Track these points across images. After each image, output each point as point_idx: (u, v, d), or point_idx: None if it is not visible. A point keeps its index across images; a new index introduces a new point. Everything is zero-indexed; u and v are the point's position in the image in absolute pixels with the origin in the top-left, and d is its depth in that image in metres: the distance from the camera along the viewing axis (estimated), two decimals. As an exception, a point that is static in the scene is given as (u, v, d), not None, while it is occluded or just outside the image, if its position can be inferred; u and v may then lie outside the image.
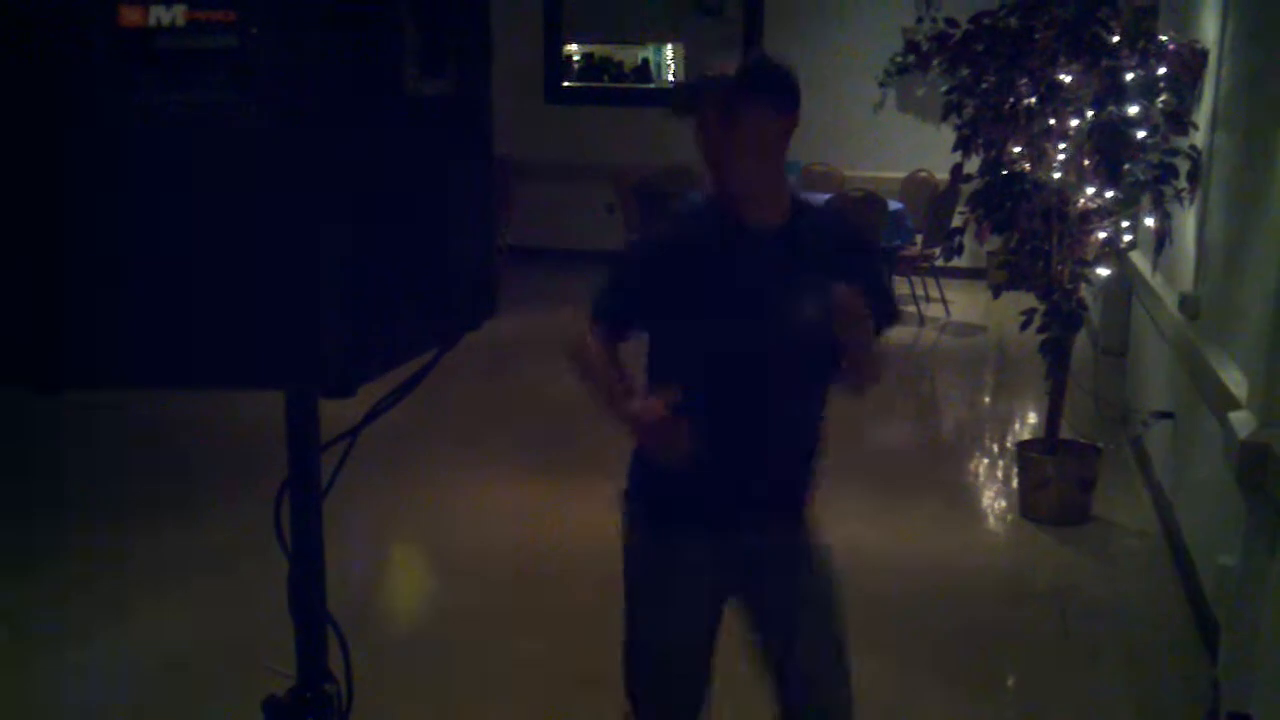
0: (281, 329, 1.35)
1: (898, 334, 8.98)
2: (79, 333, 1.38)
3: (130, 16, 1.28)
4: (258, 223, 1.33)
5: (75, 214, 1.36)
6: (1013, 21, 4.94)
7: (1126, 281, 6.82)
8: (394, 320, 1.46)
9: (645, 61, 13.01)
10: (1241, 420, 3.53)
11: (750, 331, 2.47)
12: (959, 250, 5.59)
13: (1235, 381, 3.89)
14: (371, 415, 1.61)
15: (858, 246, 2.72)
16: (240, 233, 1.33)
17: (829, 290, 2.31)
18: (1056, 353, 5.20)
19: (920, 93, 10.27)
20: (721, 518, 2.54)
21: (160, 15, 1.29)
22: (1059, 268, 5.06)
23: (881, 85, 10.76)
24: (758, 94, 2.46)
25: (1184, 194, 4.97)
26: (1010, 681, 4.13)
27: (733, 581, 2.61)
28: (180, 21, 1.29)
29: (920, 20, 10.24)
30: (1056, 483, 5.23)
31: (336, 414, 1.66)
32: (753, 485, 2.55)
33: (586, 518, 5.28)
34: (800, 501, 2.65)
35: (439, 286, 1.58)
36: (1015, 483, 5.55)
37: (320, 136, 1.33)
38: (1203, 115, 5.07)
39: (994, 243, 5.35)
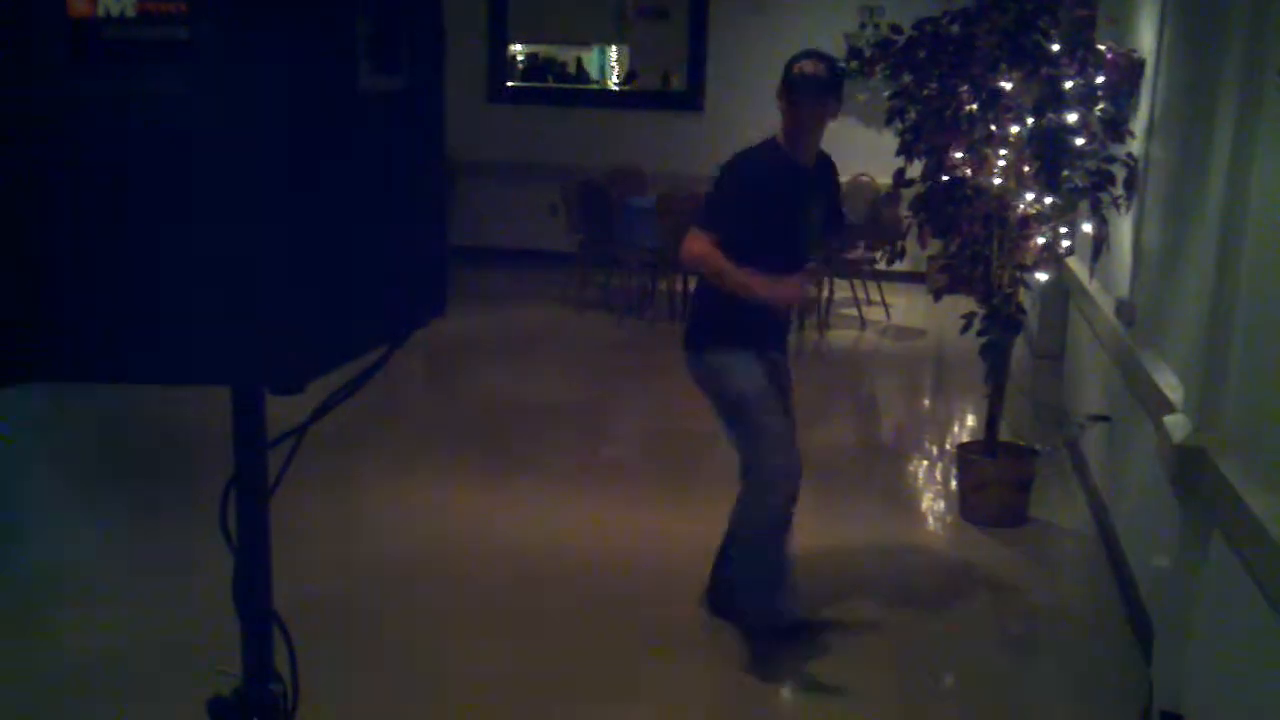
0: (227, 324, 1.33)
1: (839, 337, 9.08)
2: (17, 327, 1.36)
3: (79, 6, 1.27)
4: (203, 217, 1.31)
5: (13, 205, 1.34)
6: (955, 29, 5.01)
7: (1064, 286, 6.92)
8: (342, 317, 1.45)
9: (588, 63, 13.03)
10: (1176, 424, 3.59)
11: (803, 229, 4.15)
12: (901, 254, 5.64)
13: (1170, 386, 3.96)
14: (319, 412, 1.60)
15: (835, 173, 4.35)
16: (185, 226, 1.31)
17: (827, 202, 4.27)
18: (996, 356, 5.27)
19: (862, 98, 10.35)
20: (765, 342, 4.17)
21: (110, 6, 1.27)
22: (999, 272, 5.13)
23: (825, 90, 10.83)
24: (836, 92, 4.02)
25: (1121, 201, 5.06)
26: (949, 681, 4.17)
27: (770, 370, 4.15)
28: (130, 12, 1.27)
29: (863, 26, 10.36)
30: (995, 485, 5.29)
31: (286, 414, 1.65)
32: (782, 324, 4.35)
33: (537, 517, 5.29)
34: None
35: (388, 283, 1.57)
36: (955, 485, 5.61)
37: (269, 131, 1.31)
38: (1140, 123, 5.16)
39: (935, 247, 5.41)
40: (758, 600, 4.18)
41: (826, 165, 4.26)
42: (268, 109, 1.30)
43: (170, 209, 1.33)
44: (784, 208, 4.03)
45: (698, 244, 3.93)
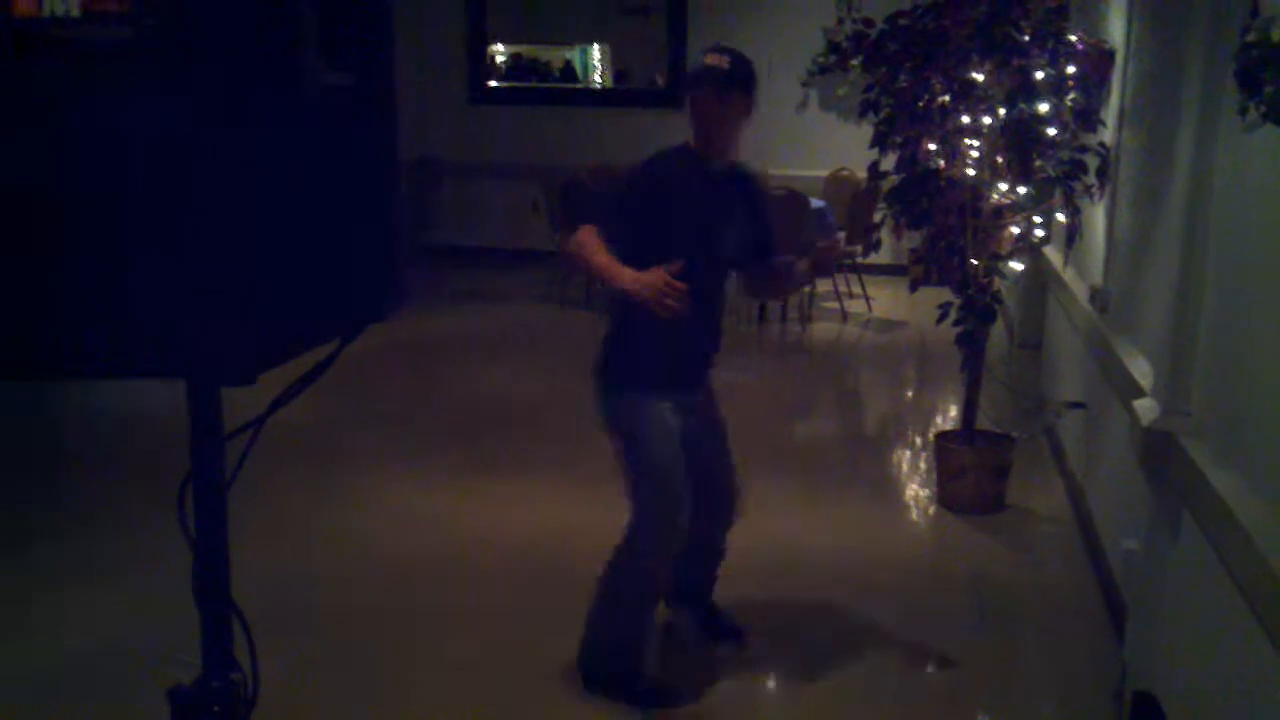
0: (176, 318, 1.36)
1: (821, 330, 9.12)
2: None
3: (24, 6, 1.29)
4: (151, 212, 1.33)
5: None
6: (927, 22, 5.03)
7: (1043, 276, 6.96)
8: (292, 310, 1.47)
9: (571, 62, 13.05)
10: (1145, 408, 3.63)
11: (703, 244, 3.63)
12: (876, 246, 5.67)
13: (1141, 371, 4.00)
14: (275, 405, 1.62)
15: (763, 197, 3.98)
16: (133, 222, 1.33)
17: (746, 219, 3.78)
18: (972, 345, 5.30)
19: (842, 92, 10.39)
20: (677, 382, 3.75)
21: (55, 6, 1.29)
22: (973, 262, 5.16)
23: (804, 85, 10.87)
24: (742, 86, 3.63)
25: (1093, 190, 5.09)
26: (930, 667, 4.20)
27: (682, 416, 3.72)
28: (75, 12, 1.29)
29: (841, 21, 10.38)
30: (973, 472, 5.32)
31: (251, 408, 1.67)
32: (694, 359, 3.82)
33: (512, 516, 5.31)
34: (711, 366, 3.89)
35: (340, 277, 1.59)
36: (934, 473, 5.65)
37: (216, 126, 1.33)
38: (1111, 113, 5.19)
39: (915, 239, 5.45)
40: (611, 663, 3.80)
41: (745, 180, 3.84)
42: (211, 105, 1.32)
43: (117, 205, 1.35)
44: (678, 214, 3.62)
45: (580, 233, 3.56)
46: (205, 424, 1.57)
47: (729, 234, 3.73)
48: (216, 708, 1.66)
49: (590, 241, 3.50)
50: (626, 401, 3.68)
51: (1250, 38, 2.42)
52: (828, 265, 4.07)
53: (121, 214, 1.34)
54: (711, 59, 3.60)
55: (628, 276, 3.40)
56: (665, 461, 3.63)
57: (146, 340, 1.37)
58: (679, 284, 3.32)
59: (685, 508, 3.65)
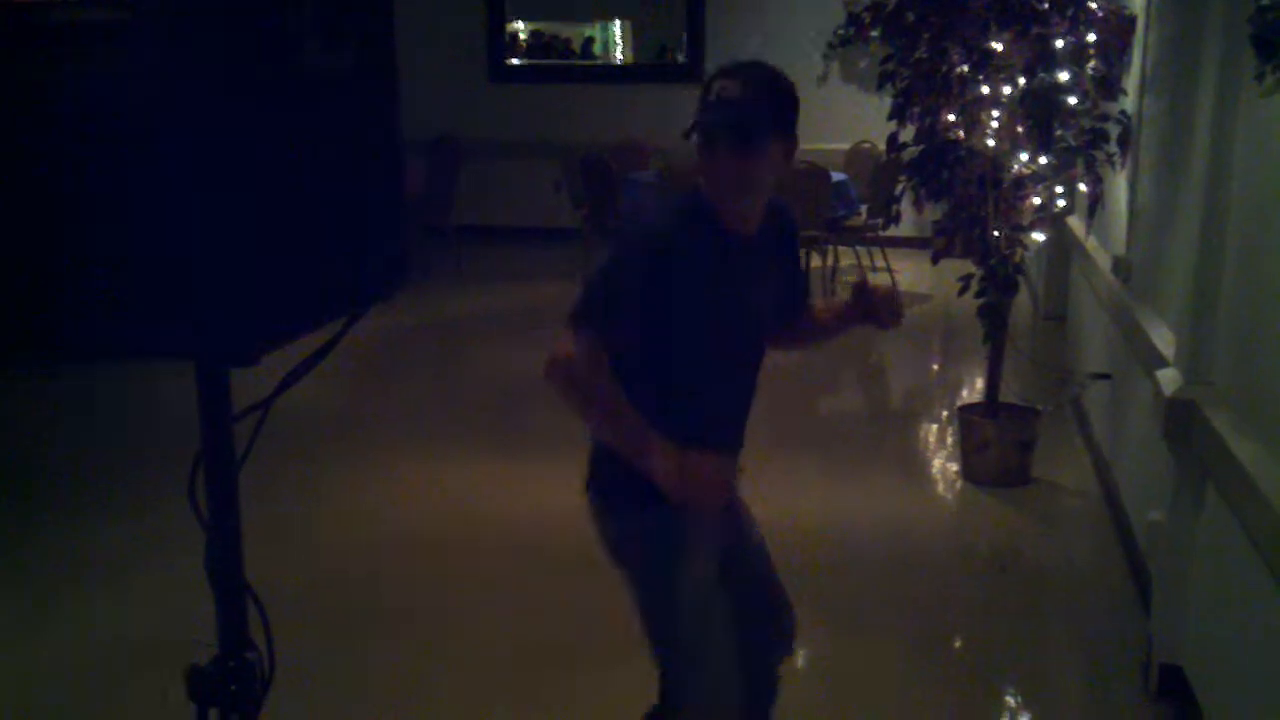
0: (178, 300, 1.36)
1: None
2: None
3: (17, -10, 1.29)
4: (153, 195, 1.33)
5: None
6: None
7: (1066, 247, 6.91)
8: (295, 290, 1.47)
9: (591, 39, 13.01)
10: (1168, 378, 3.60)
11: (740, 329, 2.60)
12: (896, 218, 5.64)
13: (1164, 341, 3.96)
14: (283, 386, 1.62)
15: (795, 234, 2.82)
16: (135, 205, 1.34)
17: (784, 278, 2.71)
18: (994, 317, 5.26)
19: (863, 64, 10.34)
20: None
21: (48, -12, 1.29)
22: (995, 234, 5.12)
23: (825, 58, 10.81)
24: (774, 126, 2.45)
25: (1115, 159, 5.04)
26: (958, 643, 4.20)
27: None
28: (69, -6, 1.29)
29: (861, -9, 10.29)
30: (996, 445, 5.30)
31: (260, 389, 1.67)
32: (729, 456, 2.65)
33: (541, 497, 5.32)
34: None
35: (346, 256, 1.59)
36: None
37: (215, 108, 1.33)
38: (1132, 80, 5.13)
39: (938, 211, 5.41)
40: None
41: (781, 222, 2.68)
42: (209, 85, 1.32)
43: (120, 187, 1.35)
44: (710, 300, 2.51)
45: (567, 348, 2.43)
46: (213, 405, 1.57)
47: (764, 303, 2.67)
48: (234, 687, 1.67)
49: (584, 360, 2.43)
50: (646, 529, 2.57)
51: (1265, 1, 2.38)
52: (881, 311, 2.87)
53: (121, 196, 1.34)
54: (728, 87, 2.43)
55: (657, 457, 2.41)
56: (710, 638, 2.59)
57: (149, 322, 1.37)
58: (724, 475, 2.47)
59: (736, 692, 2.62)
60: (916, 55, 5.07)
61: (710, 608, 2.58)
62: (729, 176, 2.45)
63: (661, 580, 2.57)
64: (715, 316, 2.52)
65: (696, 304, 2.47)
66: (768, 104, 2.44)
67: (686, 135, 2.49)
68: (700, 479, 2.40)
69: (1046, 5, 4.88)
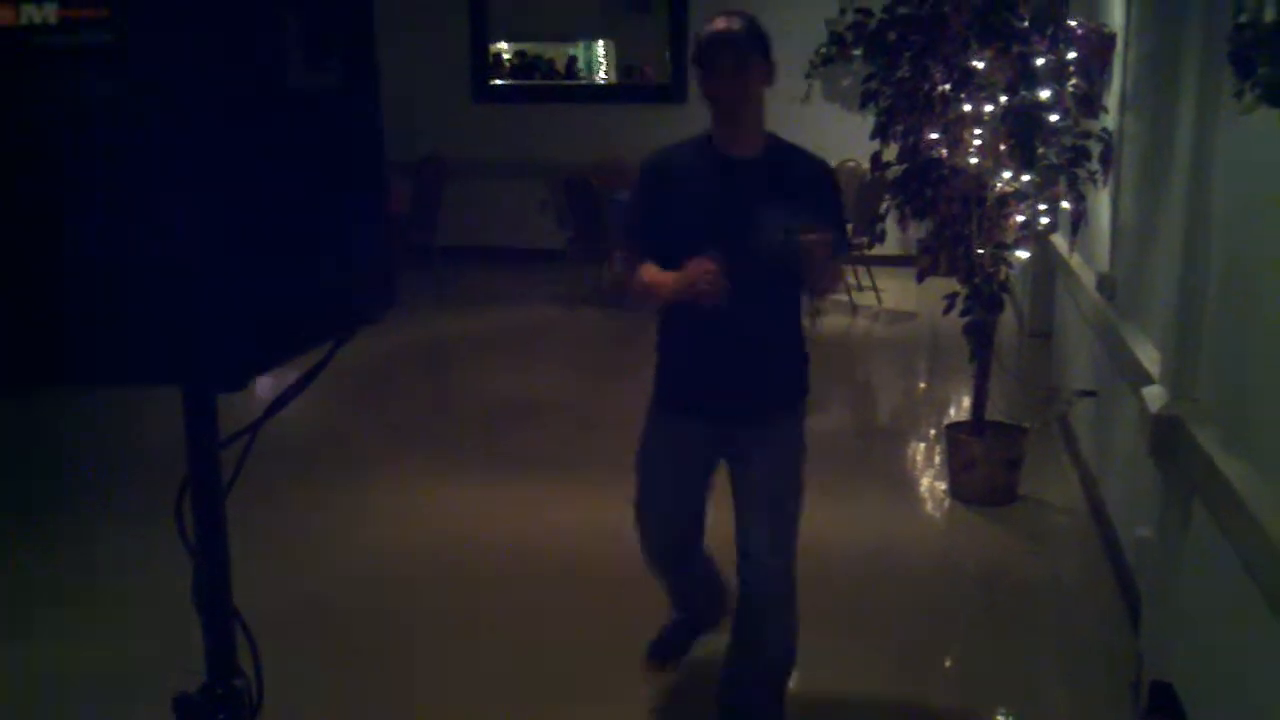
0: (166, 324, 1.35)
1: (830, 324, 9.09)
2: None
3: (1, 15, 1.28)
4: (140, 218, 1.33)
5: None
6: (925, 10, 5.01)
7: (1051, 265, 6.93)
8: (283, 314, 1.46)
9: (575, 59, 13.04)
10: (1154, 394, 3.61)
11: (742, 236, 3.06)
12: (881, 237, 5.65)
13: (1150, 357, 3.98)
14: (270, 410, 1.61)
15: (821, 181, 3.30)
16: (123, 229, 1.33)
17: (794, 211, 3.05)
18: (979, 335, 5.28)
19: (846, 83, 10.37)
20: (709, 407, 3.26)
21: (31, 13, 1.28)
22: (979, 251, 5.14)
23: (808, 77, 10.83)
24: (761, 49, 3.15)
25: (1097, 176, 5.07)
26: (946, 661, 4.19)
27: (719, 454, 3.35)
28: (52, 19, 1.29)
29: (843, 11, 10.32)
30: (983, 463, 5.30)
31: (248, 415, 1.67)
32: (731, 381, 3.24)
33: (529, 515, 5.30)
34: (772, 395, 3.35)
35: (332, 279, 1.58)
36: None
37: (200, 131, 1.33)
38: (1113, 98, 5.16)
39: (923, 229, 5.43)
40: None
41: (789, 160, 3.23)
42: (196, 110, 1.32)
43: (108, 211, 1.34)
44: (706, 209, 3.13)
45: (632, 270, 3.23)
46: (200, 430, 1.56)
47: (767, 227, 3.06)
48: (222, 715, 1.65)
49: (629, 272, 3.22)
50: (650, 416, 3.40)
51: (1243, 18, 2.40)
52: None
53: (105, 220, 1.34)
54: (721, 24, 3.12)
55: (669, 284, 3.07)
56: (643, 489, 3.42)
57: (135, 347, 1.36)
58: (713, 266, 2.93)
59: (652, 544, 3.47)
60: (899, 74, 5.10)
61: (656, 466, 3.37)
62: (729, 93, 3.10)
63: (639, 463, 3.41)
64: (716, 225, 3.08)
65: (697, 210, 3.13)
66: (752, 34, 3.15)
67: (695, 63, 3.14)
68: (693, 277, 2.96)
69: (1026, 23, 4.91)
